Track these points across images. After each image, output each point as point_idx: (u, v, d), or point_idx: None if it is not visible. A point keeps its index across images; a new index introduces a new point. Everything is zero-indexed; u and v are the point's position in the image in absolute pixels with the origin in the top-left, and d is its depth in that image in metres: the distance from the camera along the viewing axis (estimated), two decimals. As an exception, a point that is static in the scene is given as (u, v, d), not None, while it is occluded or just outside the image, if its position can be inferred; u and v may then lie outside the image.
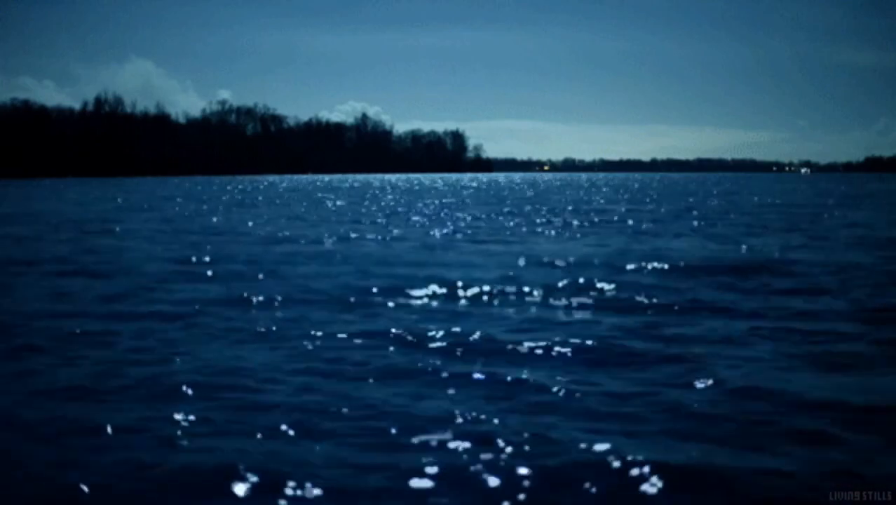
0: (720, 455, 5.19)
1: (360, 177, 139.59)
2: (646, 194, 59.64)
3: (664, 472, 4.91)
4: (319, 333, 8.82)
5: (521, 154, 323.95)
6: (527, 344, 8.18)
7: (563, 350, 7.99)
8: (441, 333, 8.67)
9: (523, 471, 4.94)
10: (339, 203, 44.38)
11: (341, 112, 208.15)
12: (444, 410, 6.07)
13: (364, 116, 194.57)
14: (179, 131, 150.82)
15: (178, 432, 5.68)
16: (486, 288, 11.72)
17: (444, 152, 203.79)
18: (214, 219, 26.29)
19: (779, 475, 4.90)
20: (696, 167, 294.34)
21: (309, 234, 22.58)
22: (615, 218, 30.50)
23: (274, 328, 9.15)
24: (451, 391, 6.64)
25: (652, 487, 4.78)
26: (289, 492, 4.71)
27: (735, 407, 6.17)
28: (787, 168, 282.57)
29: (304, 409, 6.17)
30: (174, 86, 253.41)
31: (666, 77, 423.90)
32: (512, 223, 27.77)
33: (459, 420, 5.86)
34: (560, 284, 12.07)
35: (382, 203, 44.42)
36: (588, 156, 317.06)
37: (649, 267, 14.22)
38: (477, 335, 8.59)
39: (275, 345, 8.39)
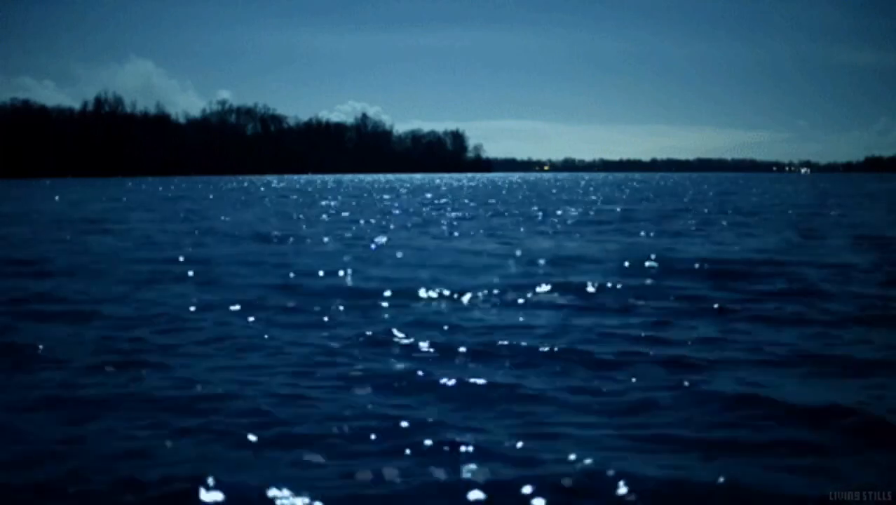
0: (719, 457, 5.23)
1: (361, 177, 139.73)
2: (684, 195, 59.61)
3: (657, 476, 4.96)
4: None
5: (521, 154, 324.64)
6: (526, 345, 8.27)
7: (561, 352, 8.05)
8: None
9: (511, 477, 5.00)
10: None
11: (341, 112, 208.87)
12: (435, 413, 6.17)
13: (364, 116, 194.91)
14: (179, 131, 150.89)
15: (158, 439, 5.72)
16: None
17: (444, 152, 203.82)
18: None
19: (778, 476, 4.94)
20: (696, 167, 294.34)
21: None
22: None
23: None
24: (442, 394, 6.71)
25: (644, 491, 4.83)
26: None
27: (732, 410, 6.21)
28: (787, 168, 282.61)
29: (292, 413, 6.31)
30: (174, 86, 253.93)
31: (666, 77, 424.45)
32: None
33: (449, 423, 5.93)
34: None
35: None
36: (588, 156, 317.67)
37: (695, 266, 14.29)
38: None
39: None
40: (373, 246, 19.06)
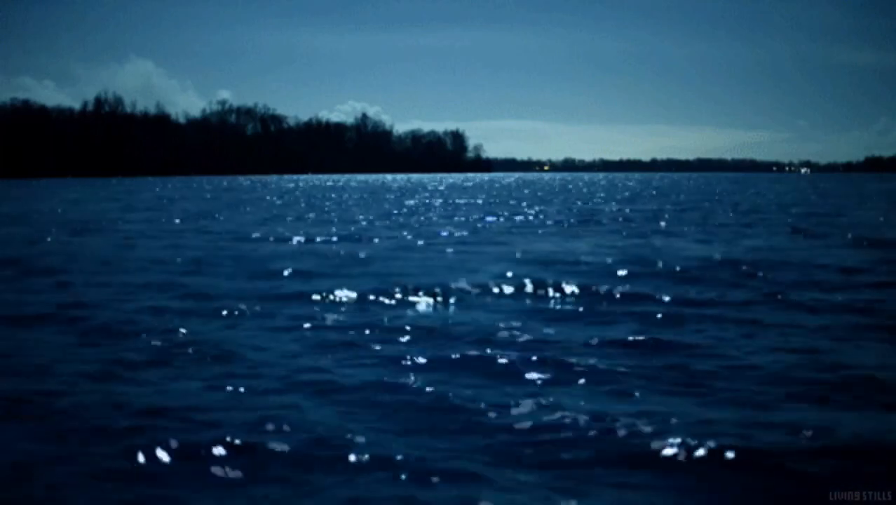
0: (721, 454, 5.18)
1: (361, 177, 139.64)
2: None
3: (663, 466, 4.95)
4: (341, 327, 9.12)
5: (521, 154, 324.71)
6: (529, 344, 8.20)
7: (567, 351, 7.99)
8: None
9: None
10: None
11: (341, 112, 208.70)
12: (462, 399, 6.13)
13: (364, 116, 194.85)
14: (179, 131, 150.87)
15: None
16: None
17: (444, 152, 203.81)
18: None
19: (777, 475, 4.89)
20: (696, 167, 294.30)
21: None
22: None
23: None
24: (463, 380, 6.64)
25: (650, 476, 4.83)
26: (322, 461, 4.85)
27: (732, 409, 6.18)
28: (787, 168, 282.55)
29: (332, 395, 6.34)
30: (174, 86, 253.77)
31: (666, 77, 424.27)
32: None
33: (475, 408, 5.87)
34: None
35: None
36: (588, 156, 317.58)
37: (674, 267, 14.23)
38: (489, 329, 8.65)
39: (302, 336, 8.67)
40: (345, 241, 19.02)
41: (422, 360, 7.63)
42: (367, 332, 8.92)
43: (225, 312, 10.13)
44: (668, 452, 5.21)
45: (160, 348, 8.20)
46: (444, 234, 23.08)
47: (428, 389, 6.64)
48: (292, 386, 6.83)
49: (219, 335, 8.86)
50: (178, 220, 29.24)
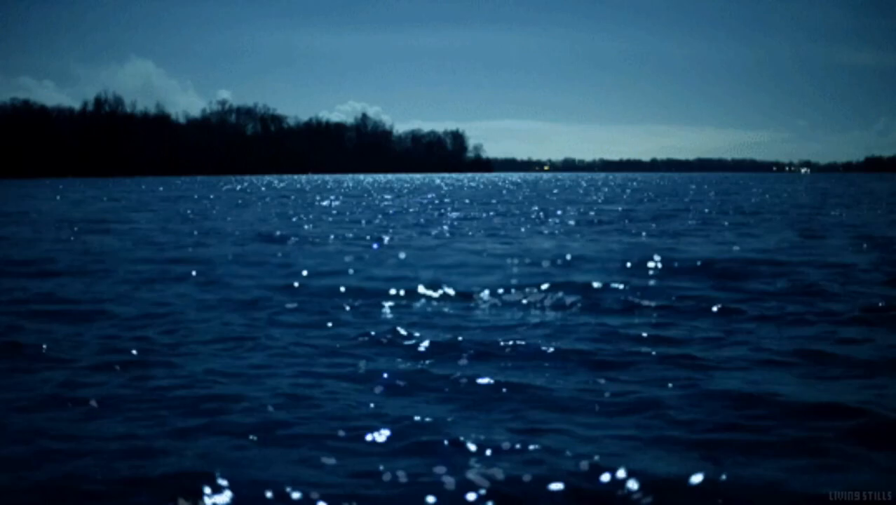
0: (721, 456, 5.23)
1: (361, 177, 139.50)
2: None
3: (660, 476, 4.96)
4: (316, 334, 8.96)
5: (521, 154, 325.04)
6: (527, 345, 8.24)
7: (562, 351, 8.03)
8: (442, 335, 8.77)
9: (516, 476, 4.95)
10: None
11: (341, 112, 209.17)
12: (439, 412, 6.12)
13: (364, 116, 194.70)
14: (179, 131, 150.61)
15: (163, 437, 5.65)
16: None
17: (444, 152, 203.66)
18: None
19: (778, 477, 4.93)
20: (696, 167, 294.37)
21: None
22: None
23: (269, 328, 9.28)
24: (446, 394, 6.68)
25: (646, 490, 4.81)
26: (272, 498, 4.70)
27: (735, 409, 6.21)
28: (787, 168, 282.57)
29: (297, 412, 6.16)
30: (174, 86, 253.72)
31: (666, 77, 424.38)
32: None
33: (453, 422, 5.91)
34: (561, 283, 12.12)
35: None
36: (588, 156, 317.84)
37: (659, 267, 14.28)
38: (476, 337, 8.68)
39: (264, 347, 8.42)
40: (374, 246, 19.08)
41: (446, 350, 7.71)
42: (390, 326, 8.95)
43: (249, 307, 10.20)
44: (678, 439, 5.24)
45: (185, 341, 8.27)
46: (454, 233, 23.09)
47: (456, 377, 6.69)
48: (320, 375, 6.86)
49: (244, 329, 8.92)
50: (181, 220, 29.23)
